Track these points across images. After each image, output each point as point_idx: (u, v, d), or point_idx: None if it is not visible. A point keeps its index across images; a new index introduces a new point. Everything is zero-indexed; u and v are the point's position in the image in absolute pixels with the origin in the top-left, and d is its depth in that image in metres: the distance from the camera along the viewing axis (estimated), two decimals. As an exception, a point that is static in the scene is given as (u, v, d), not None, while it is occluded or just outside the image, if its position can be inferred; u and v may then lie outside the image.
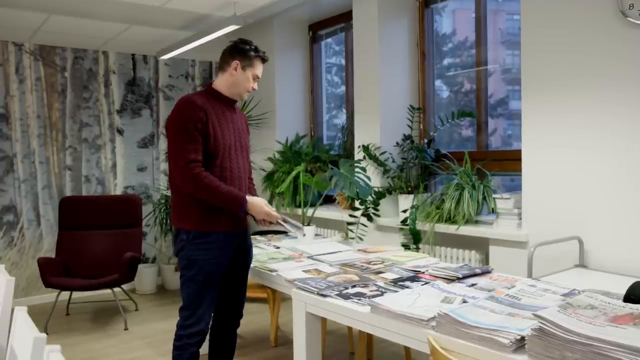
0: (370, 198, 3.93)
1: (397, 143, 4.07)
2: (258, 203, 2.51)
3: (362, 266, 2.65)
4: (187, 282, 2.52)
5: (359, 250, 3.11)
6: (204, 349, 3.62)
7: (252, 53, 2.58)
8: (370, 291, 2.18)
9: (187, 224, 2.48)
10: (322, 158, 4.79)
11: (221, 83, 2.60)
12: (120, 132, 5.41)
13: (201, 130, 2.42)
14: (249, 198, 2.48)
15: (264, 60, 2.64)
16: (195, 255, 2.48)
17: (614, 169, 2.68)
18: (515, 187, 3.51)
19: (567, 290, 1.93)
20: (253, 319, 4.35)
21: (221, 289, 2.64)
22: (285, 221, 2.60)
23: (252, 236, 2.81)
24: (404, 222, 3.66)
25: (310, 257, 2.94)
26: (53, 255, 4.70)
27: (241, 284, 2.76)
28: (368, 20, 4.11)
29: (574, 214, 2.85)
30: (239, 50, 2.57)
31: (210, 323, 2.73)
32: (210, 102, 2.53)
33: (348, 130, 4.80)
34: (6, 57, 4.81)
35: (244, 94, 2.63)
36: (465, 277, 2.29)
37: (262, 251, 3.13)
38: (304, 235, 3.19)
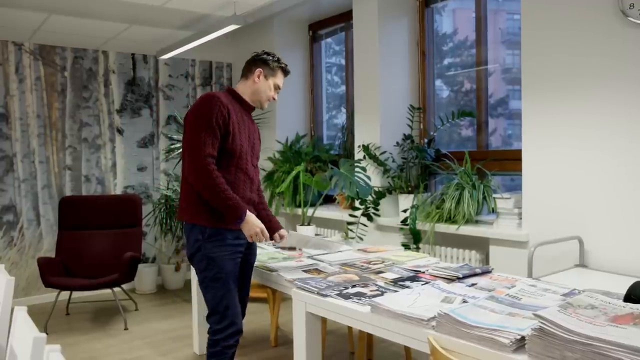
0: (370, 198, 3.93)
1: (397, 143, 4.07)
2: (254, 222, 2.47)
3: (362, 266, 2.65)
4: (210, 283, 2.48)
5: (359, 250, 3.11)
6: (204, 348, 3.63)
7: (275, 63, 2.66)
8: (371, 291, 2.18)
9: (202, 220, 2.45)
10: (322, 158, 4.79)
11: (243, 89, 2.65)
12: (120, 131, 5.40)
13: (222, 127, 2.43)
14: (248, 214, 2.45)
15: (285, 71, 2.71)
16: (214, 253, 2.45)
17: (614, 169, 2.68)
18: (515, 187, 3.50)
19: (567, 290, 1.93)
20: (253, 318, 4.35)
21: None
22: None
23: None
24: (404, 221, 3.66)
25: (310, 257, 2.94)
26: (53, 255, 4.70)
27: (245, 284, 2.75)
28: (368, 19, 4.11)
29: (574, 213, 2.85)
30: (263, 60, 2.65)
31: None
32: (232, 102, 2.56)
33: (348, 129, 4.80)
34: (6, 57, 4.81)
35: (264, 102, 2.68)
36: (465, 277, 2.29)
37: (262, 251, 3.14)
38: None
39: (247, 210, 2.45)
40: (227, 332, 2.48)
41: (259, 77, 2.63)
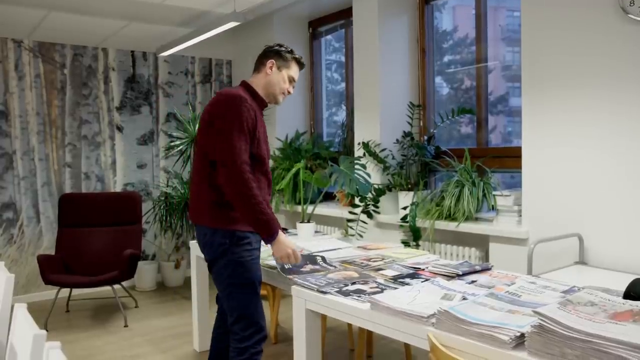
0: (370, 195, 3.93)
1: (397, 140, 4.07)
2: (286, 243, 2.37)
3: (362, 263, 2.65)
4: (238, 289, 2.37)
5: (358, 247, 3.11)
6: (204, 345, 3.63)
7: (289, 55, 2.54)
8: (370, 288, 2.18)
9: (227, 224, 2.34)
10: (322, 155, 4.79)
11: (256, 83, 2.52)
12: (119, 129, 5.40)
13: (251, 131, 2.33)
14: (280, 233, 2.35)
15: (300, 63, 2.58)
16: (243, 258, 2.35)
17: (614, 167, 2.68)
18: (515, 184, 3.51)
19: (567, 287, 1.93)
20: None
21: None
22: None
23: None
24: (403, 219, 3.66)
25: (310, 253, 2.93)
26: (53, 253, 4.70)
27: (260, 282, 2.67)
28: (368, 17, 4.10)
29: (573, 211, 2.85)
30: (275, 51, 2.53)
31: (215, 323, 2.67)
32: (253, 102, 2.44)
33: (348, 127, 4.79)
34: (5, 54, 4.81)
35: (279, 96, 2.55)
36: (465, 274, 2.29)
37: (262, 248, 3.13)
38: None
39: (279, 230, 2.34)
40: (255, 338, 2.38)
41: (271, 69, 2.50)
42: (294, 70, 2.56)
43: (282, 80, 2.52)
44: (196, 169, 2.43)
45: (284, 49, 2.55)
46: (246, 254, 2.36)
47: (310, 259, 2.65)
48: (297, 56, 2.57)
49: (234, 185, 2.25)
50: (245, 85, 2.52)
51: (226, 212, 2.34)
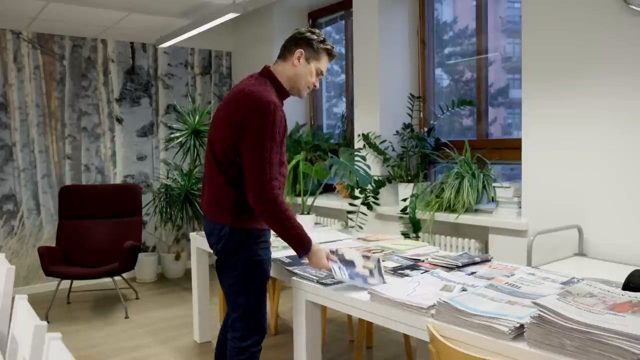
0: (370, 187, 3.93)
1: (397, 132, 4.06)
2: (320, 255, 2.23)
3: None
4: (246, 287, 2.28)
5: (358, 239, 3.11)
6: (204, 337, 3.64)
7: (320, 45, 2.31)
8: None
9: (246, 222, 2.23)
10: (321, 147, 4.79)
11: (281, 73, 2.31)
12: (119, 120, 5.39)
13: (282, 140, 2.19)
14: (313, 245, 2.23)
15: (331, 55, 2.36)
16: (260, 256, 2.28)
17: (614, 158, 2.68)
18: (515, 176, 3.51)
19: (567, 279, 1.94)
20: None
21: None
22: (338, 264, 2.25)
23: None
24: (403, 210, 3.67)
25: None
26: (53, 244, 4.71)
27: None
28: (368, 8, 4.08)
29: (573, 202, 2.85)
30: (305, 39, 2.30)
31: (224, 322, 2.60)
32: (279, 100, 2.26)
33: (348, 118, 4.79)
34: (4, 46, 4.79)
35: (303, 90, 2.35)
36: (464, 265, 2.30)
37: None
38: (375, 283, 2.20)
39: (312, 243, 2.23)
40: (256, 337, 2.32)
41: (299, 60, 2.28)
42: (323, 63, 2.34)
43: (309, 73, 2.32)
44: (210, 165, 2.28)
45: (315, 37, 2.31)
46: (263, 252, 2.30)
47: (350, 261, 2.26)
48: (328, 47, 2.34)
49: (263, 203, 2.13)
50: (269, 76, 2.31)
51: (245, 210, 2.22)
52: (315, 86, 2.37)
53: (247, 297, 2.28)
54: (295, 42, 2.31)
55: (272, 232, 2.36)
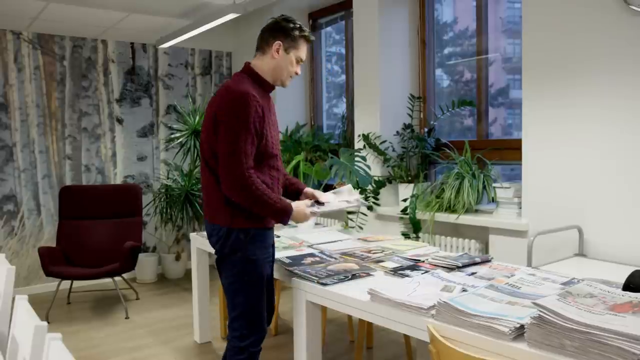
0: (370, 187, 3.93)
1: (398, 132, 4.06)
2: (300, 208, 2.30)
3: (362, 255, 2.66)
4: (244, 287, 2.28)
5: (359, 239, 3.11)
6: (204, 337, 3.63)
7: (297, 32, 2.29)
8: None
9: (243, 222, 2.24)
10: (322, 147, 4.79)
11: (262, 67, 2.31)
12: (119, 121, 5.39)
13: (259, 129, 2.18)
14: (293, 204, 2.27)
15: (309, 40, 2.35)
16: (256, 255, 2.27)
17: (614, 159, 2.68)
18: (515, 176, 3.50)
19: (567, 279, 1.94)
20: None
21: None
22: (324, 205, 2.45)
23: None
24: (404, 211, 3.66)
25: (311, 246, 2.94)
26: (54, 245, 4.71)
27: (272, 279, 2.53)
28: (368, 8, 4.09)
29: (573, 203, 2.85)
30: (282, 29, 2.28)
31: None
32: (259, 93, 2.25)
33: (348, 119, 4.79)
34: (4, 46, 4.79)
35: (286, 80, 2.35)
36: (465, 265, 2.30)
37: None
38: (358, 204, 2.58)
39: (292, 207, 2.27)
40: (255, 337, 2.31)
41: (277, 52, 2.27)
42: (302, 50, 2.33)
43: (290, 63, 2.31)
44: (203, 168, 2.30)
45: (291, 25, 2.30)
46: (260, 252, 2.29)
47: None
48: (305, 33, 2.32)
49: (239, 191, 2.16)
50: (249, 71, 2.32)
51: (240, 210, 2.23)
52: (297, 73, 2.37)
53: (245, 297, 2.28)
54: (271, 34, 2.30)
55: (274, 232, 2.38)
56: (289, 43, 2.29)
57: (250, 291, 2.29)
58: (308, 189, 2.55)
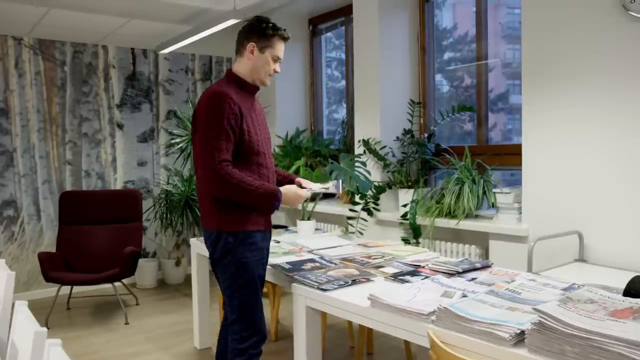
0: (370, 192, 3.93)
1: (398, 137, 4.07)
2: (291, 190, 2.36)
3: (362, 261, 2.66)
4: (239, 289, 2.30)
5: (359, 244, 3.11)
6: (205, 343, 3.63)
7: (270, 31, 2.32)
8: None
9: (232, 225, 2.27)
10: (322, 152, 4.79)
11: (241, 68, 2.37)
12: (120, 126, 5.40)
13: (235, 126, 2.22)
14: (282, 188, 2.31)
15: (284, 38, 2.37)
16: (246, 257, 2.29)
17: (614, 164, 2.68)
18: (515, 182, 3.51)
19: (567, 285, 1.94)
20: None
21: None
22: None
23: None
24: (404, 216, 3.66)
25: (311, 252, 2.94)
26: (53, 250, 4.71)
27: (263, 285, 2.56)
28: (368, 14, 4.10)
29: (573, 208, 2.85)
30: (255, 30, 2.33)
31: (223, 321, 2.60)
32: (239, 94, 2.32)
33: (348, 124, 4.79)
34: (5, 51, 4.80)
35: (265, 79, 2.40)
36: (465, 271, 2.30)
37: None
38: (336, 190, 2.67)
39: (279, 189, 2.29)
40: (254, 339, 2.33)
41: (252, 53, 2.32)
42: (277, 49, 2.36)
43: (266, 62, 2.35)
44: (196, 174, 2.35)
45: (264, 25, 2.33)
46: (250, 254, 2.30)
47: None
48: (279, 32, 2.35)
49: (219, 186, 2.20)
50: (230, 76, 2.38)
51: (231, 213, 2.27)
52: (276, 71, 2.41)
53: (240, 299, 2.32)
54: (245, 36, 2.35)
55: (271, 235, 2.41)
56: (263, 42, 2.33)
57: (245, 293, 2.32)
58: (298, 178, 2.62)
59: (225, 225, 2.28)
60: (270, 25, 2.34)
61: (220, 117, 2.20)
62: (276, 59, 2.38)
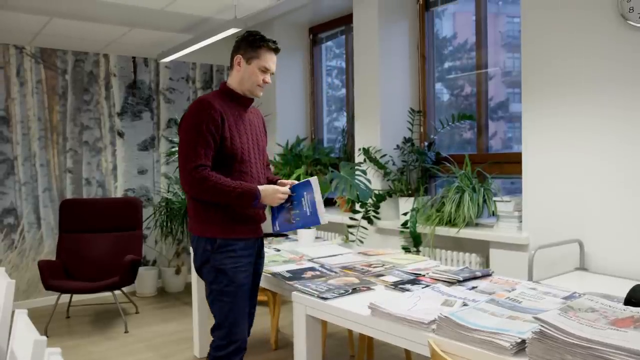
0: (370, 201, 3.93)
1: (398, 146, 4.07)
2: (270, 187, 2.37)
3: (363, 269, 2.65)
4: (218, 296, 2.33)
5: (359, 253, 3.11)
6: (204, 352, 3.61)
7: (256, 43, 2.39)
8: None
9: (211, 231, 2.33)
10: (322, 161, 4.80)
11: (232, 81, 2.45)
12: (120, 134, 5.41)
13: (215, 133, 2.27)
14: (260, 187, 2.34)
15: (272, 49, 2.42)
16: (225, 265, 2.31)
17: (614, 172, 2.68)
18: (515, 190, 3.51)
19: (568, 293, 1.93)
20: (253, 321, 4.34)
21: None
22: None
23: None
24: (404, 225, 3.66)
25: (311, 260, 2.94)
26: (53, 258, 4.70)
27: (254, 295, 2.58)
28: (368, 23, 4.12)
29: (574, 216, 2.85)
30: (242, 42, 2.42)
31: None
32: (227, 103, 2.38)
33: (348, 133, 4.80)
34: (7, 60, 4.82)
35: (254, 90, 2.44)
36: (465, 280, 2.29)
37: (266, 253, 3.13)
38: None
39: (258, 187, 2.32)
40: (231, 348, 2.33)
41: (239, 65, 2.41)
42: (265, 59, 2.40)
43: (253, 74, 2.40)
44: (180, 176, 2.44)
45: (251, 37, 2.40)
46: (228, 261, 2.32)
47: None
48: (266, 44, 2.40)
49: (197, 189, 2.25)
50: (222, 87, 2.47)
51: (209, 220, 2.33)
52: (265, 82, 2.44)
53: (218, 306, 2.34)
54: (234, 50, 2.45)
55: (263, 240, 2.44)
56: (250, 54, 2.40)
57: (223, 301, 2.33)
58: (281, 180, 2.60)
59: (205, 231, 2.34)
60: (258, 37, 2.40)
61: (199, 123, 2.26)
62: (264, 70, 2.42)
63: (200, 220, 2.36)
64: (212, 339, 2.39)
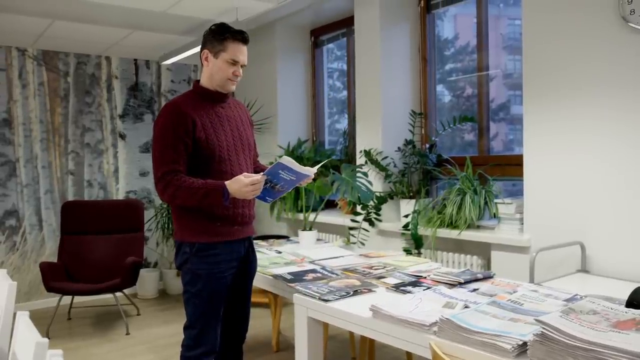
0: (371, 203, 3.93)
1: (399, 148, 4.07)
2: (237, 180, 2.18)
3: (364, 271, 2.65)
4: (191, 298, 2.33)
5: (360, 255, 3.10)
6: None
7: (221, 35, 2.29)
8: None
9: (190, 236, 2.31)
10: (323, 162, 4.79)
11: (203, 78, 2.39)
12: (122, 137, 5.42)
13: (185, 136, 2.21)
14: (228, 185, 2.19)
15: (240, 40, 2.31)
16: (200, 269, 2.30)
17: (616, 174, 2.68)
18: (517, 192, 3.50)
19: (569, 296, 1.93)
20: (255, 323, 4.33)
21: (227, 303, 2.44)
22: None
23: (253, 241, 2.63)
24: (405, 227, 3.66)
25: (312, 262, 2.94)
26: (55, 260, 4.70)
27: (246, 297, 2.57)
28: (370, 25, 4.12)
29: (575, 219, 2.85)
30: (207, 38, 2.34)
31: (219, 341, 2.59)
32: (198, 103, 2.31)
33: (350, 135, 4.80)
34: (9, 62, 4.83)
35: (225, 85, 2.35)
36: (467, 282, 2.29)
37: (264, 256, 3.13)
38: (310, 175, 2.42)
39: (224, 183, 2.19)
40: (199, 350, 2.31)
41: (207, 60, 2.33)
42: (232, 51, 2.29)
43: (221, 68, 2.31)
44: None
45: (215, 30, 2.32)
46: (205, 266, 2.30)
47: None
48: (231, 35, 2.29)
49: (164, 194, 2.24)
50: (194, 87, 2.41)
51: (189, 225, 2.32)
52: (236, 75, 2.34)
53: (192, 309, 2.34)
54: (202, 45, 2.37)
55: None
56: (216, 48, 2.31)
57: (197, 304, 2.33)
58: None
59: (184, 235, 2.34)
60: (222, 28, 2.31)
61: (168, 128, 2.22)
62: (232, 62, 2.31)
63: (181, 225, 2.35)
64: (184, 338, 2.37)
